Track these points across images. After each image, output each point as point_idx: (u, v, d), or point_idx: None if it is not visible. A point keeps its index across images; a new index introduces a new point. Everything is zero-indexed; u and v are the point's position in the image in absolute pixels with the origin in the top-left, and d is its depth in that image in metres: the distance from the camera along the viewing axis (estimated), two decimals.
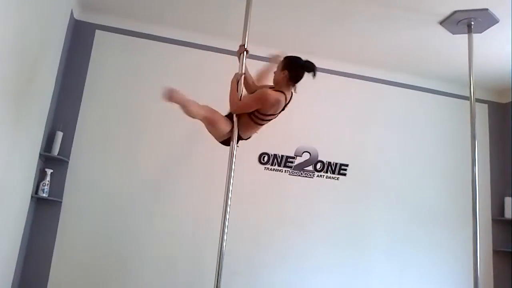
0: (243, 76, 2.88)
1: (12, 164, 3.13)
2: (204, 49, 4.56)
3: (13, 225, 3.47)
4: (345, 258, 4.54)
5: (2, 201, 3.03)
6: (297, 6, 3.86)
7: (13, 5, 2.61)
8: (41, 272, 3.86)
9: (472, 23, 3.75)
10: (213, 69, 4.44)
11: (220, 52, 4.51)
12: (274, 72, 2.86)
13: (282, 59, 2.92)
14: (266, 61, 4.48)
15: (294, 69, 2.77)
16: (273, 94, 2.73)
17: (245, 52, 2.91)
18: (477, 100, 4.11)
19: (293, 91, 2.84)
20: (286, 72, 2.76)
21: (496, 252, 4.93)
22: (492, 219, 5.00)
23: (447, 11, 3.71)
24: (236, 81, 2.85)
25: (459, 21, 3.78)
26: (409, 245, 4.73)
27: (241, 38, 3.00)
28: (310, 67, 2.78)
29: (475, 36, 3.85)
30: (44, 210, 3.94)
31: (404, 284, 4.64)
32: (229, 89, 2.86)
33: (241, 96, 2.83)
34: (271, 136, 4.35)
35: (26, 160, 3.51)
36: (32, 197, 3.76)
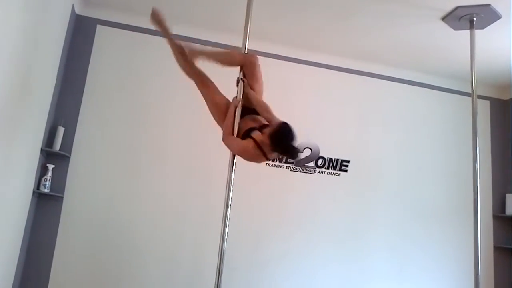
0: (240, 103, 2.85)
1: (13, 159, 3.13)
2: (206, 44, 4.54)
3: (15, 220, 3.47)
4: (346, 254, 4.55)
5: (3, 197, 3.03)
6: (299, 2, 3.85)
7: (15, 1, 2.61)
8: (42, 267, 3.87)
9: (474, 19, 3.74)
10: (216, 64, 4.43)
11: (222, 47, 4.50)
12: (265, 131, 2.66)
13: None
14: (269, 57, 4.51)
15: (277, 146, 2.59)
16: (254, 155, 2.64)
17: (242, 82, 2.86)
18: (479, 97, 4.11)
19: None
20: (268, 142, 2.57)
21: (497, 249, 4.93)
22: (493, 216, 5.00)
23: (449, 7, 3.70)
24: (234, 109, 2.80)
25: (461, 17, 3.77)
26: (410, 241, 4.74)
27: (242, 33, 2.99)
28: (289, 153, 2.61)
29: (477, 32, 3.84)
30: (46, 205, 3.95)
31: (404, 281, 4.65)
32: (228, 116, 2.81)
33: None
34: None
35: (27, 156, 3.51)
36: (33, 192, 3.76)
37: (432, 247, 4.78)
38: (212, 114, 2.90)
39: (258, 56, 2.88)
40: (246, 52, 2.93)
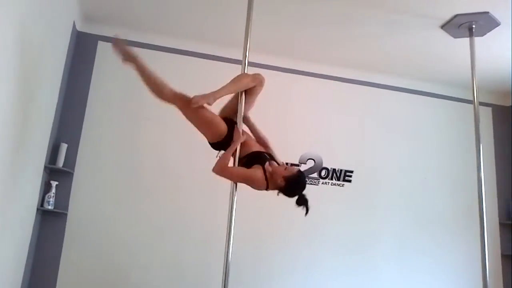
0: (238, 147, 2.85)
1: (17, 176, 3.13)
2: (207, 58, 4.57)
3: (20, 237, 3.46)
4: (351, 265, 4.52)
5: (8, 214, 3.03)
6: (298, 13, 3.88)
7: (16, 18, 2.63)
8: (48, 284, 3.85)
9: (473, 26, 3.76)
10: (216, 78, 4.39)
11: (223, 61, 4.53)
12: (277, 167, 2.73)
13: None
14: (270, 69, 4.54)
15: (288, 190, 2.72)
16: (260, 182, 2.68)
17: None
18: (481, 104, 4.09)
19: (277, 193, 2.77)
20: (284, 185, 2.68)
21: (504, 257, 4.88)
22: (499, 223, 4.96)
23: (448, 15, 3.72)
24: (238, 144, 2.80)
25: (460, 25, 3.79)
26: (416, 250, 4.70)
27: (242, 46, 3.00)
28: (301, 202, 2.72)
29: (477, 39, 3.86)
30: (50, 222, 3.94)
31: None
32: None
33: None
34: (275, 144, 4.31)
35: (31, 173, 3.51)
36: (37, 209, 3.76)
37: (438, 256, 4.74)
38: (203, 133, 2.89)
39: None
40: (246, 65, 2.96)
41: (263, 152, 2.87)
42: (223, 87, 2.81)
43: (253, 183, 2.72)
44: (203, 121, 2.81)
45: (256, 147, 2.88)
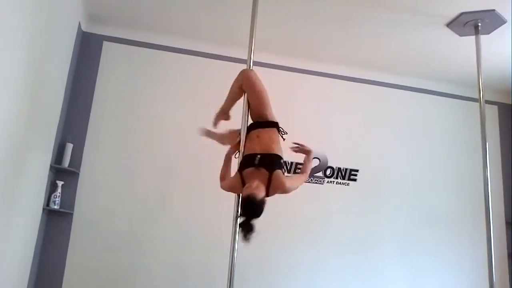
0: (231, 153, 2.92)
1: (23, 176, 3.15)
2: (212, 58, 4.58)
3: (25, 237, 3.48)
4: (357, 264, 4.50)
5: (14, 213, 3.05)
6: (302, 12, 3.87)
7: (22, 19, 2.64)
8: (53, 284, 3.86)
9: (479, 24, 3.74)
10: (221, 77, 4.42)
11: (227, 60, 4.53)
12: (251, 186, 2.52)
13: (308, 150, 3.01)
14: (273, 68, 4.54)
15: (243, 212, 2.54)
16: (237, 190, 2.67)
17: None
18: (487, 102, 4.07)
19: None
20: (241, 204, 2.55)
21: (511, 256, 4.85)
22: (506, 222, 4.93)
23: (453, 13, 3.70)
24: (227, 158, 2.90)
25: (466, 23, 3.77)
26: (421, 250, 4.68)
27: (247, 45, 3.00)
28: (243, 229, 2.50)
29: (483, 37, 3.83)
30: (56, 222, 3.96)
31: None
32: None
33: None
34: (280, 143, 4.34)
35: (37, 172, 3.53)
36: (43, 209, 3.78)
37: (444, 255, 4.72)
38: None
39: (255, 67, 2.95)
40: (251, 65, 2.95)
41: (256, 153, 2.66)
42: (224, 102, 2.90)
43: (233, 190, 2.70)
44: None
45: (253, 148, 2.70)
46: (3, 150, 2.63)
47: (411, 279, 4.60)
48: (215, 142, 3.17)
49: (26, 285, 3.61)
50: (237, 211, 2.68)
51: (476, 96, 3.84)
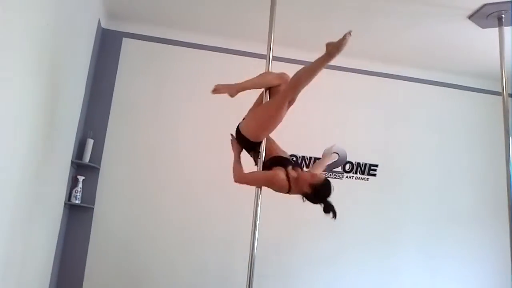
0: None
1: (45, 172, 3.20)
2: (231, 53, 4.58)
3: (48, 231, 3.54)
4: (377, 260, 4.47)
5: (37, 209, 3.10)
6: (322, 6, 3.84)
7: (43, 17, 2.68)
8: (75, 277, 3.94)
9: (503, 15, 3.65)
10: (240, 72, 4.43)
11: (246, 56, 4.53)
12: (303, 173, 2.73)
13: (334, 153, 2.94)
14: (291, 63, 4.51)
15: (315, 198, 2.68)
16: (281, 183, 2.68)
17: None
18: (510, 95, 3.99)
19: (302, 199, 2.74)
20: (310, 192, 2.65)
21: None
22: None
23: (475, 5, 3.63)
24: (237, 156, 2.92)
25: (488, 15, 3.69)
26: (442, 246, 4.63)
27: (266, 40, 2.99)
28: (328, 209, 2.66)
29: (506, 29, 3.75)
30: (77, 216, 4.02)
31: (437, 286, 4.54)
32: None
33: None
34: (298, 138, 4.33)
35: (58, 168, 3.58)
36: (65, 204, 3.84)
37: (465, 252, 4.66)
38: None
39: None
40: (271, 59, 2.94)
41: (287, 157, 2.87)
42: (247, 81, 2.83)
43: (273, 185, 2.70)
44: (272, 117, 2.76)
45: (280, 152, 2.88)
46: (26, 146, 2.68)
47: (431, 275, 4.55)
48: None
49: (49, 277, 3.69)
50: (256, 205, 2.75)
51: (499, 89, 3.76)
